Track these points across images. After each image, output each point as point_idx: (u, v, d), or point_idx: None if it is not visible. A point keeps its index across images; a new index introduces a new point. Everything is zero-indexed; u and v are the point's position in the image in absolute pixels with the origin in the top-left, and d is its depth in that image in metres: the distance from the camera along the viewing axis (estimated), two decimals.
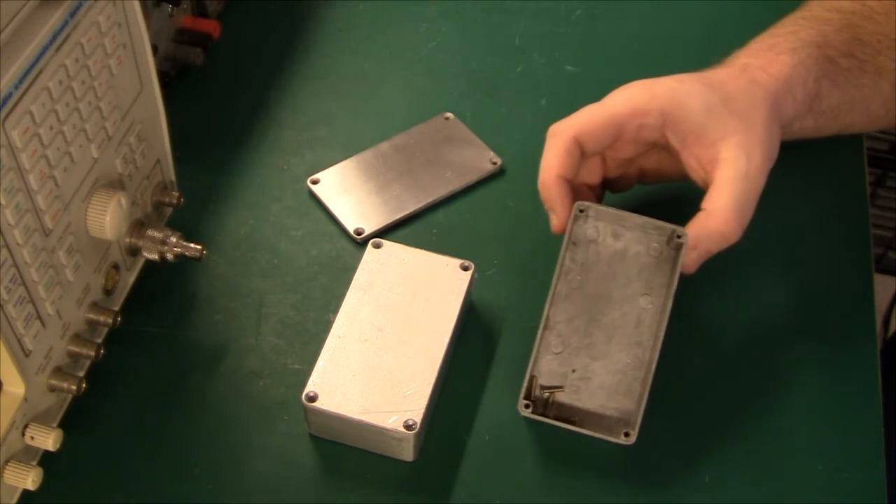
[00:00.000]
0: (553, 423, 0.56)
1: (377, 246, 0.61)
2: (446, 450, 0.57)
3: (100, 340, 0.57)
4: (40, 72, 0.46)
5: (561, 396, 0.57)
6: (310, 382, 0.55)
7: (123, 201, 0.54)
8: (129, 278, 0.61)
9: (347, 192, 0.68)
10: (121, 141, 0.55)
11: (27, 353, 0.50)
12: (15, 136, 0.45)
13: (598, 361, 0.57)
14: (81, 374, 0.55)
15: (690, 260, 0.58)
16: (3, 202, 0.45)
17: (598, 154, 0.61)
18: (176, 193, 0.62)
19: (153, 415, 0.58)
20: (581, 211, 0.58)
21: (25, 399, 0.50)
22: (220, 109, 0.74)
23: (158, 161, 0.61)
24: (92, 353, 0.55)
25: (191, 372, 0.60)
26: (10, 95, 0.44)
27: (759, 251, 0.64)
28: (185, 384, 0.59)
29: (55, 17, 0.47)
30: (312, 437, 0.57)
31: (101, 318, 0.56)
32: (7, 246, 0.46)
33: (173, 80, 0.72)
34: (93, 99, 0.51)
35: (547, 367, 0.57)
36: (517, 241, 0.66)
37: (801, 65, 0.61)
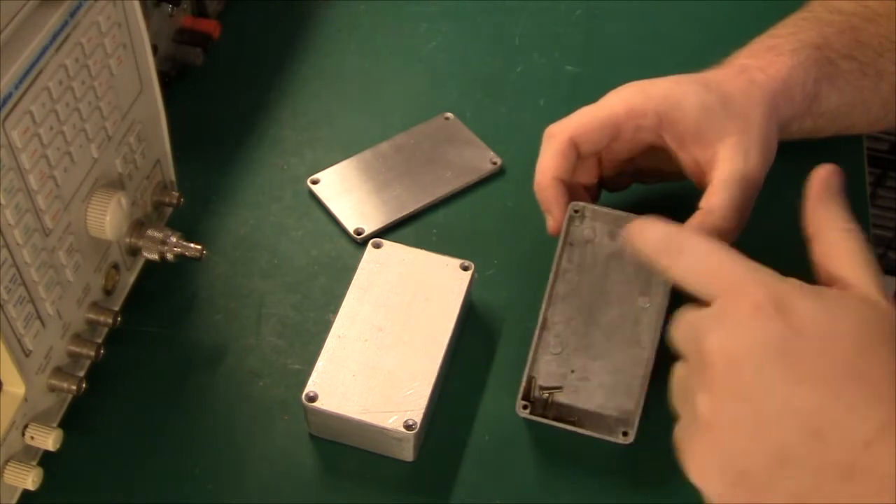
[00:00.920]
0: (551, 423, 0.56)
1: (377, 246, 0.61)
2: (446, 450, 0.57)
3: (100, 340, 0.57)
4: (40, 72, 0.46)
5: (560, 397, 0.57)
6: (310, 382, 0.55)
7: (123, 201, 0.54)
8: (129, 278, 0.61)
9: (347, 192, 0.68)
10: (121, 141, 0.55)
11: (27, 353, 0.50)
12: (15, 136, 0.45)
13: (597, 361, 0.57)
14: (81, 374, 0.55)
15: None
16: (3, 202, 0.45)
17: (594, 155, 0.61)
18: (176, 193, 0.62)
19: (153, 415, 0.58)
20: (576, 211, 0.59)
21: (25, 399, 0.50)
22: (220, 109, 0.74)
23: (158, 161, 0.61)
24: (92, 353, 0.55)
25: (191, 372, 0.60)
26: (10, 95, 0.44)
27: (759, 251, 0.64)
28: (185, 384, 0.59)
29: (55, 17, 0.47)
30: (312, 437, 0.57)
31: (101, 318, 0.56)
32: (7, 246, 0.46)
33: (173, 80, 0.72)
34: (93, 99, 0.51)
35: (546, 367, 0.57)
36: (517, 241, 0.66)
37: (801, 66, 0.61)
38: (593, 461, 0.56)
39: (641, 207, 0.60)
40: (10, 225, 0.46)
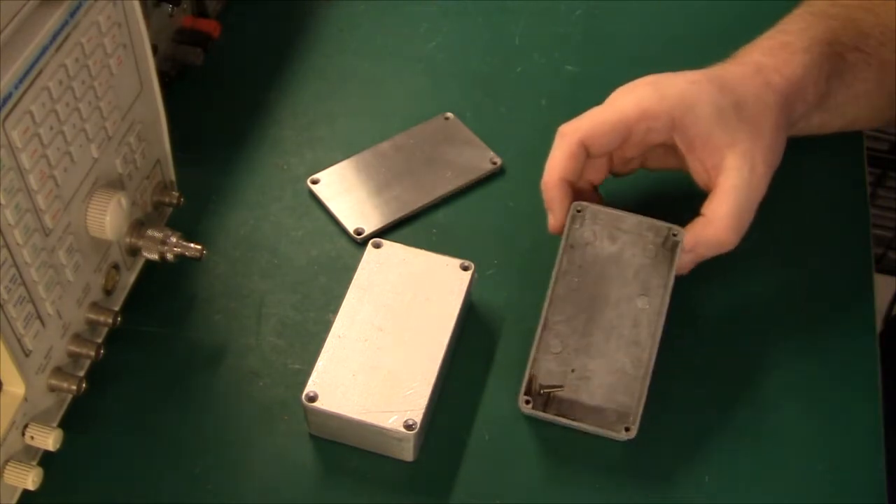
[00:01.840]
0: (553, 418, 0.56)
1: (377, 246, 0.61)
2: (446, 450, 0.57)
3: (100, 340, 0.57)
4: (40, 72, 0.46)
5: (560, 395, 0.57)
6: (310, 382, 0.55)
7: (123, 201, 0.54)
8: (129, 278, 0.61)
9: (347, 192, 0.68)
10: (121, 141, 0.55)
11: (27, 353, 0.50)
12: (15, 136, 0.45)
13: (597, 361, 0.58)
14: (81, 374, 0.55)
15: (685, 262, 0.59)
16: (3, 202, 0.45)
17: (604, 155, 0.62)
18: (176, 193, 0.62)
19: (153, 415, 0.58)
20: (578, 211, 0.59)
21: (25, 399, 0.50)
22: (220, 109, 0.74)
23: (158, 161, 0.61)
24: (92, 353, 0.55)
25: (191, 372, 0.60)
26: (10, 95, 0.44)
27: (759, 251, 0.64)
28: (185, 384, 0.59)
29: (55, 17, 0.47)
30: (312, 437, 0.57)
31: (101, 318, 0.56)
32: (7, 246, 0.46)
33: (173, 80, 0.72)
34: (93, 99, 0.51)
35: (546, 367, 0.58)
36: (517, 241, 0.66)
37: (815, 65, 0.61)
38: (593, 461, 0.56)
39: (643, 207, 0.61)
40: (10, 225, 0.46)
